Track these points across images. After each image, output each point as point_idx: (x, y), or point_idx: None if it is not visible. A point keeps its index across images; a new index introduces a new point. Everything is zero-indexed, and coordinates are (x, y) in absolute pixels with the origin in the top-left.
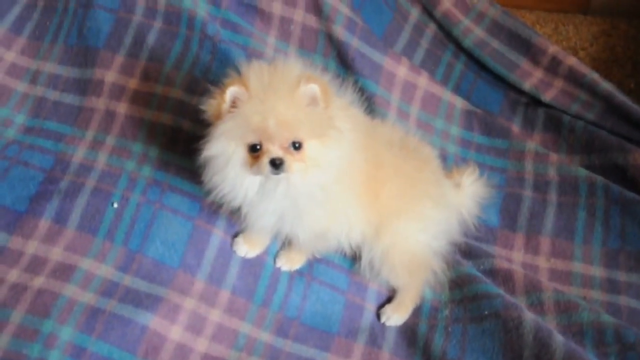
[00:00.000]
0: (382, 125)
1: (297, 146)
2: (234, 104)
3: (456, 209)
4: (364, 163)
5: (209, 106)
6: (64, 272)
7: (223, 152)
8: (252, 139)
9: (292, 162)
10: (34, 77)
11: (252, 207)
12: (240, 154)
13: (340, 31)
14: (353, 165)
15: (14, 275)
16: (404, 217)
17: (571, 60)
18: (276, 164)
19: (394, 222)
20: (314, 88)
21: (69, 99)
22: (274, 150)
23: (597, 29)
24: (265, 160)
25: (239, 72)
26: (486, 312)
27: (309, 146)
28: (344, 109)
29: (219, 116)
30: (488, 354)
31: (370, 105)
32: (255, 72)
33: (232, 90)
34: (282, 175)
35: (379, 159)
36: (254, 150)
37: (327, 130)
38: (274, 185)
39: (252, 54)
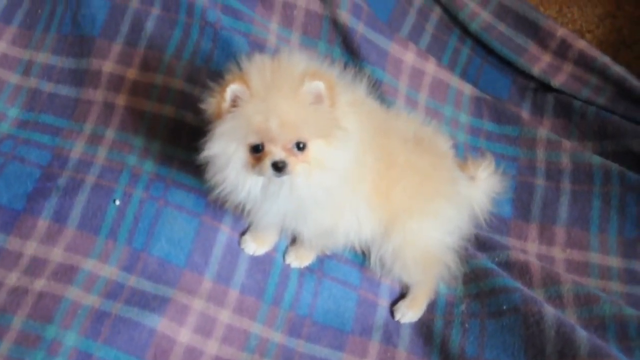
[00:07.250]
0: (396, 118)
1: (301, 147)
2: (234, 103)
3: (469, 203)
4: (375, 162)
5: (208, 104)
6: (66, 273)
7: (223, 152)
8: (254, 140)
9: (295, 164)
10: (26, 68)
11: (255, 205)
12: (241, 154)
13: (345, 16)
14: (362, 165)
15: (13, 278)
16: (416, 215)
17: (581, 44)
18: (278, 167)
19: (406, 221)
20: (319, 85)
21: (65, 90)
22: (276, 152)
23: (602, 11)
24: (267, 163)
25: (240, 66)
26: (505, 307)
27: (313, 146)
28: (354, 105)
29: (219, 115)
30: (509, 351)
31: (378, 93)
32: (257, 68)
33: (232, 89)
34: (285, 178)
35: (391, 158)
36: (256, 151)
37: (332, 130)
38: (277, 187)
39: (255, 42)
